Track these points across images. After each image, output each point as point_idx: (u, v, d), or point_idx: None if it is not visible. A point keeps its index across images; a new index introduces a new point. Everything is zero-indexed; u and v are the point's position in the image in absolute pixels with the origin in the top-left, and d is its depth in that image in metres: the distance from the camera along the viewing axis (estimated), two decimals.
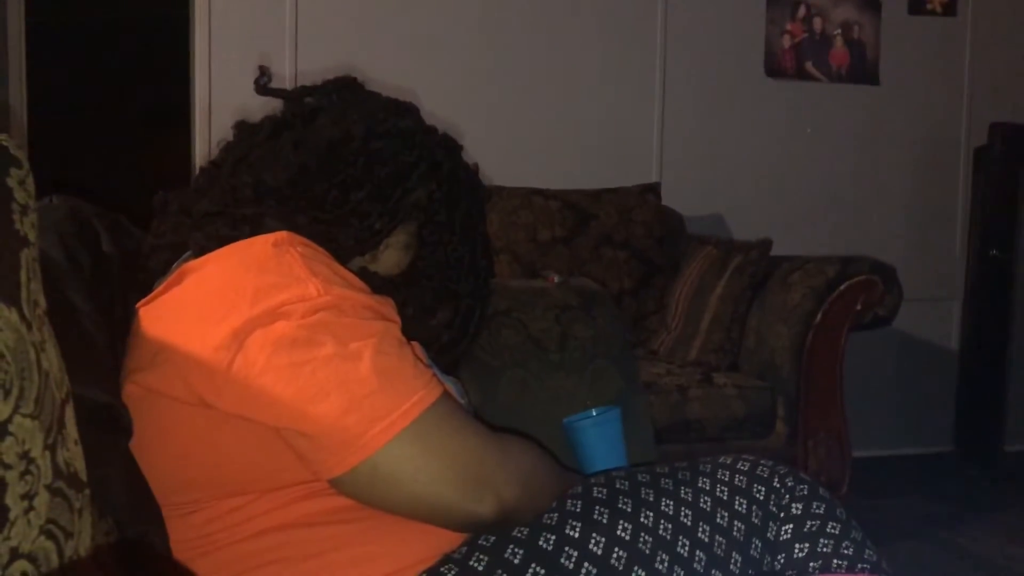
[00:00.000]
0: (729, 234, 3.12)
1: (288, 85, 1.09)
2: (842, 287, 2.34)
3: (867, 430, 3.05)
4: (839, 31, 3.28)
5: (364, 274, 1.00)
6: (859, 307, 2.34)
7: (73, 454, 0.65)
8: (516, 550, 0.91)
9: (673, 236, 2.87)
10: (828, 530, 0.99)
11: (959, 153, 3.43)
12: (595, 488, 0.98)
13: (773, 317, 2.42)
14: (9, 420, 0.57)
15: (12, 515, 0.59)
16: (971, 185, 3.38)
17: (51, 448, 0.62)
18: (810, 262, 2.46)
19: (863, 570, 0.96)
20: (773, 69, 3.24)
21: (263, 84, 1.17)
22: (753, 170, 3.24)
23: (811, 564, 0.97)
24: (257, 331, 0.85)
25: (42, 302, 0.65)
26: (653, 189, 2.92)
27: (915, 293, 2.92)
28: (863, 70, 3.31)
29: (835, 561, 0.97)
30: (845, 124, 3.31)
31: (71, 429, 0.65)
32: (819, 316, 2.33)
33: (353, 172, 1.03)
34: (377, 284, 0.99)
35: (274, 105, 1.16)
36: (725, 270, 2.55)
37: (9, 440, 0.57)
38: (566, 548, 0.91)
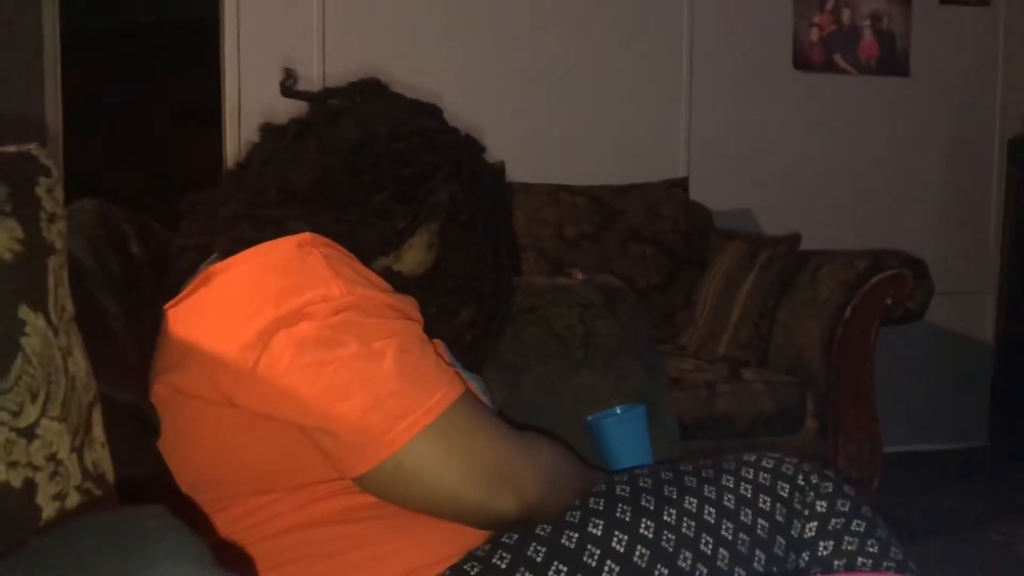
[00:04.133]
0: (758, 229, 3.10)
1: (316, 87, 1.10)
2: (872, 281, 2.32)
3: (900, 425, 3.02)
4: (868, 22, 3.24)
5: (387, 274, 1.01)
6: (889, 301, 2.32)
7: (100, 456, 0.66)
8: (539, 548, 0.91)
9: (701, 231, 2.86)
10: (853, 528, 0.99)
11: (992, 144, 3.37)
12: (618, 486, 0.98)
13: (802, 312, 2.40)
14: (36, 423, 0.59)
15: (45, 515, 0.61)
16: (1005, 176, 3.33)
17: (78, 451, 0.63)
18: (840, 256, 2.44)
19: (888, 569, 0.95)
20: (801, 62, 3.21)
21: (288, 86, 1.18)
22: (782, 164, 3.21)
23: (835, 562, 0.97)
24: (281, 331, 0.87)
25: (69, 307, 0.67)
26: (680, 184, 2.90)
27: (949, 287, 2.88)
28: (893, 62, 3.27)
29: (860, 559, 0.96)
30: (875, 117, 3.27)
31: (98, 432, 0.67)
32: (848, 311, 2.31)
33: (376, 173, 1.04)
34: (400, 284, 1.00)
35: (302, 106, 1.17)
36: (753, 265, 2.54)
37: (37, 443, 0.59)
38: (589, 546, 0.92)
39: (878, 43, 3.25)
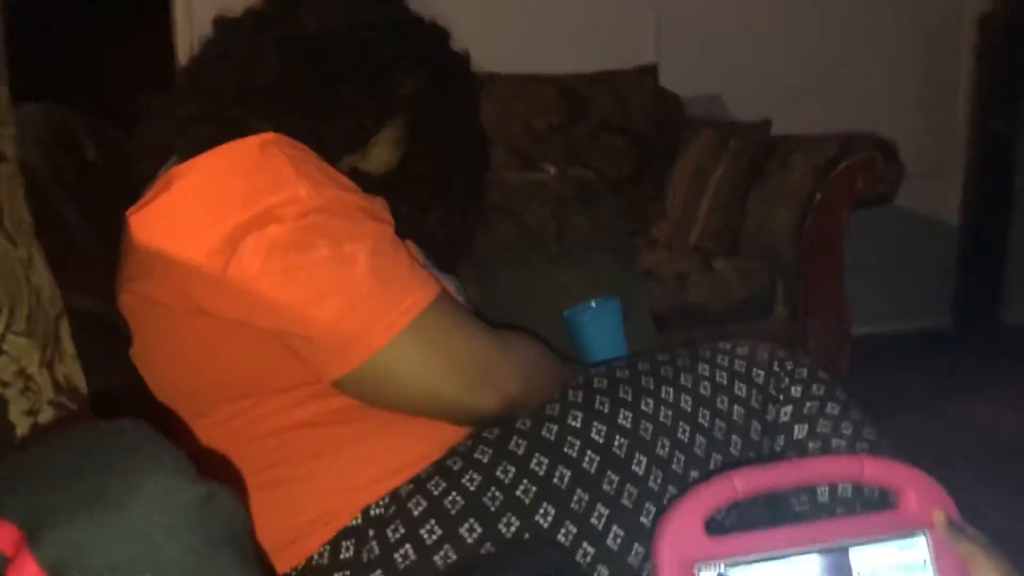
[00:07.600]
0: (729, 114, 3.06)
1: None
2: (842, 165, 2.31)
3: (867, 308, 3.06)
4: None
5: (354, 174, 0.99)
6: (860, 185, 2.32)
7: (71, 369, 0.65)
8: (520, 441, 0.92)
9: (671, 120, 2.82)
10: (827, 411, 1.00)
11: (963, 21, 3.33)
12: (596, 378, 0.99)
13: (773, 199, 2.40)
14: (2, 339, 0.57)
15: (19, 432, 0.60)
16: (975, 55, 3.29)
17: (48, 365, 0.61)
18: (810, 141, 2.42)
19: (861, 450, 0.97)
20: None
21: None
22: (753, 47, 3.15)
23: (810, 445, 0.99)
24: (250, 236, 0.84)
25: (27, 217, 0.64)
26: (650, 71, 2.85)
27: (916, 167, 2.88)
28: None
29: (834, 441, 0.98)
30: None
31: (68, 344, 0.65)
32: (819, 196, 2.31)
33: (338, 68, 1.00)
34: (368, 183, 0.97)
35: None
36: (723, 153, 2.52)
37: (3, 359, 0.57)
38: (569, 438, 0.93)
39: None
